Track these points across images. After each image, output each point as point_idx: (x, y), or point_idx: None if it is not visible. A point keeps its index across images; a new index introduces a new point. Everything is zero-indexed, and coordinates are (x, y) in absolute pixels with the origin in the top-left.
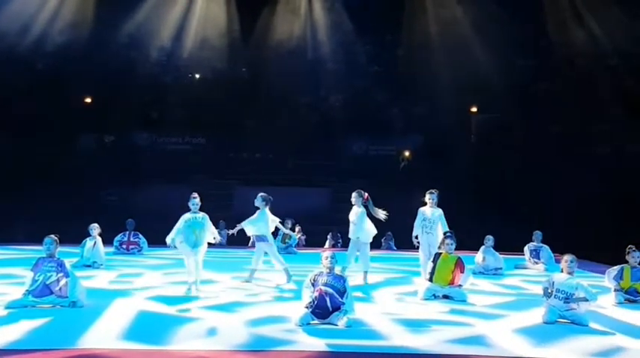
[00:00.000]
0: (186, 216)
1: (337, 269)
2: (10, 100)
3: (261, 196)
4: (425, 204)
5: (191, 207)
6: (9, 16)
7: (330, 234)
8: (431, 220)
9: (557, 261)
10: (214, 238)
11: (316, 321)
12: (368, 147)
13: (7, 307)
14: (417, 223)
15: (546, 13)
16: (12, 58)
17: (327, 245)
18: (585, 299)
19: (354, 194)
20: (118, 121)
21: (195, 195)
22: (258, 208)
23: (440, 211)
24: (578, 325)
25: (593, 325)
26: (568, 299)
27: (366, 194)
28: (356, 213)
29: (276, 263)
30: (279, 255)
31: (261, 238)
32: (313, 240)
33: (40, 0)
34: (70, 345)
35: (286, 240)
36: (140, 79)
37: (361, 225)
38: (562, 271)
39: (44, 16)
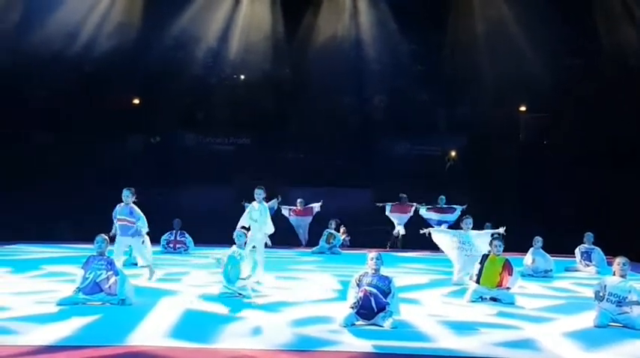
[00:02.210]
0: (233, 248)
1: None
2: (59, 102)
3: (129, 189)
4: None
5: (236, 240)
6: (58, 20)
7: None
8: (470, 243)
9: (609, 264)
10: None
11: (361, 322)
12: (412, 148)
13: (59, 304)
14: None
15: (596, 11)
16: (61, 60)
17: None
18: (638, 303)
19: (257, 191)
20: (164, 122)
21: (244, 231)
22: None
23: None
24: (630, 329)
25: None
26: (621, 302)
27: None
28: (259, 210)
29: (140, 258)
30: (145, 251)
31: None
32: (356, 241)
33: (89, 4)
34: (119, 342)
35: (331, 241)
36: (186, 80)
37: (264, 220)
38: (614, 274)
39: (93, 20)
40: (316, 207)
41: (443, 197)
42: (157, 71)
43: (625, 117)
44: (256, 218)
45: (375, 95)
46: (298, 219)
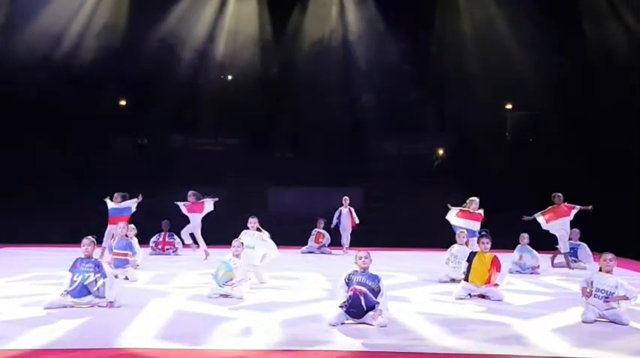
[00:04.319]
0: (227, 256)
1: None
2: (45, 105)
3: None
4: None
5: (234, 250)
6: (45, 23)
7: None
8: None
9: (596, 260)
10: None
11: (351, 321)
12: (400, 146)
13: (47, 307)
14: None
15: (582, 9)
16: (48, 63)
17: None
18: (625, 298)
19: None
20: (151, 123)
21: (242, 242)
22: None
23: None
24: (618, 324)
25: (633, 324)
26: (608, 298)
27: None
28: (255, 236)
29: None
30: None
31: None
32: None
33: (74, 6)
34: (108, 345)
35: (320, 240)
36: (173, 81)
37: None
38: (601, 269)
39: (79, 22)
40: (209, 203)
41: (476, 199)
42: (144, 73)
43: (612, 115)
44: (253, 245)
45: (363, 94)
46: (189, 215)
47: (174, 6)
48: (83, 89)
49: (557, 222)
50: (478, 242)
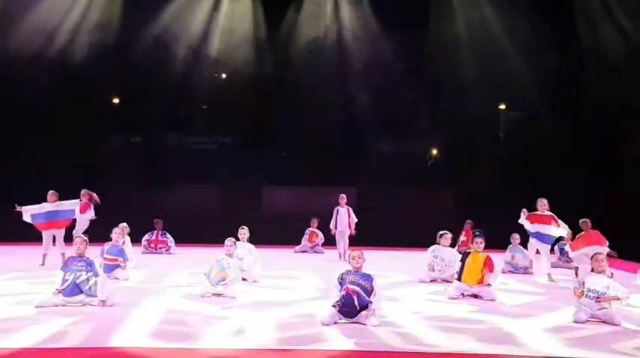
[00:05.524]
0: (221, 255)
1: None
2: (40, 103)
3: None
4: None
5: (226, 250)
6: (37, 20)
7: None
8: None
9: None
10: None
11: (344, 320)
12: (395, 146)
13: (38, 306)
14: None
15: (577, 10)
16: (42, 61)
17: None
18: (617, 298)
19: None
20: (145, 121)
21: (234, 241)
22: None
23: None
24: (609, 324)
25: (625, 324)
26: (599, 298)
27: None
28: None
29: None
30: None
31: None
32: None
33: (67, 4)
34: (100, 344)
35: (313, 239)
36: (167, 79)
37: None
38: (592, 270)
39: (72, 19)
40: (91, 210)
41: (544, 200)
42: (137, 70)
43: (608, 115)
44: (242, 256)
45: (358, 93)
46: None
47: (168, 4)
48: (76, 87)
49: (583, 251)
50: (472, 242)
